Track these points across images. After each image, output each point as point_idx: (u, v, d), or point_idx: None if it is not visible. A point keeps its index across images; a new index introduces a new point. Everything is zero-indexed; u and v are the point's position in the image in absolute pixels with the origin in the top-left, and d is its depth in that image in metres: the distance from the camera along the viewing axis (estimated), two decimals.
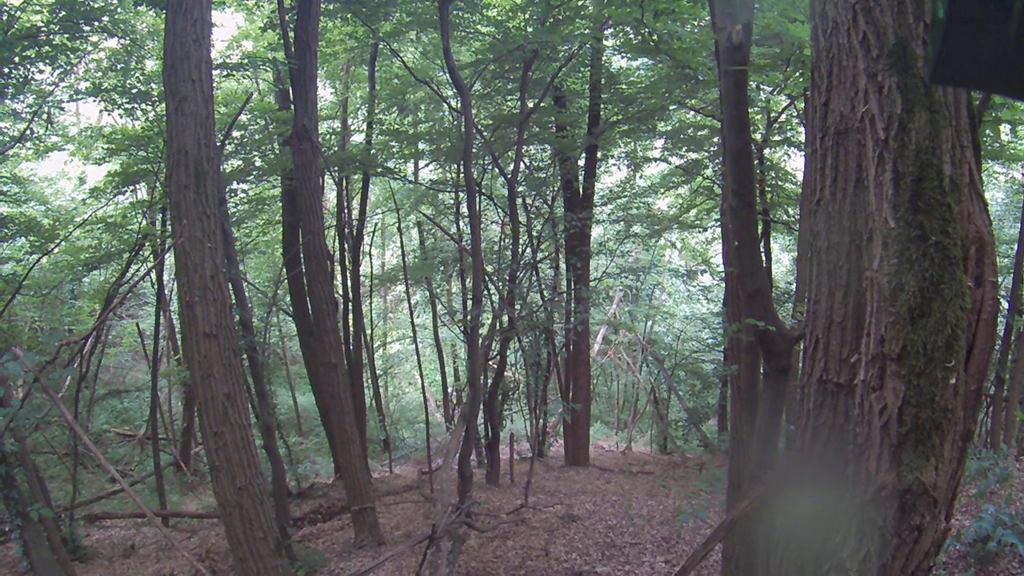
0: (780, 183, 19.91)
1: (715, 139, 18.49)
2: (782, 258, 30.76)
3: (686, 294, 33.28)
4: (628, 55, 18.26)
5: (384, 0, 15.86)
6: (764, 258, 17.87)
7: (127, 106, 16.31)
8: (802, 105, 15.36)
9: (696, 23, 13.05)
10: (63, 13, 13.81)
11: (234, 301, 11.85)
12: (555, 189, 21.51)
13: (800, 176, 17.24)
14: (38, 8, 14.78)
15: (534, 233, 21.00)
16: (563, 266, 22.19)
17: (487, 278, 17.78)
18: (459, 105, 15.68)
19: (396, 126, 21.90)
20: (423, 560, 10.39)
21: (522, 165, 19.38)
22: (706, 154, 20.51)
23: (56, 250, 19.91)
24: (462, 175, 16.83)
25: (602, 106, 20.21)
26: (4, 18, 13.83)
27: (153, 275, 19.53)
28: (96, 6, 14.18)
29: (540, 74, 17.83)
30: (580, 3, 16.25)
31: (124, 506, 18.01)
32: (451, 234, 22.01)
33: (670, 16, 11.20)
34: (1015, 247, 16.07)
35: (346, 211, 22.30)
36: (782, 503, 4.33)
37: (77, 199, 25.15)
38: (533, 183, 21.36)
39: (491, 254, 21.82)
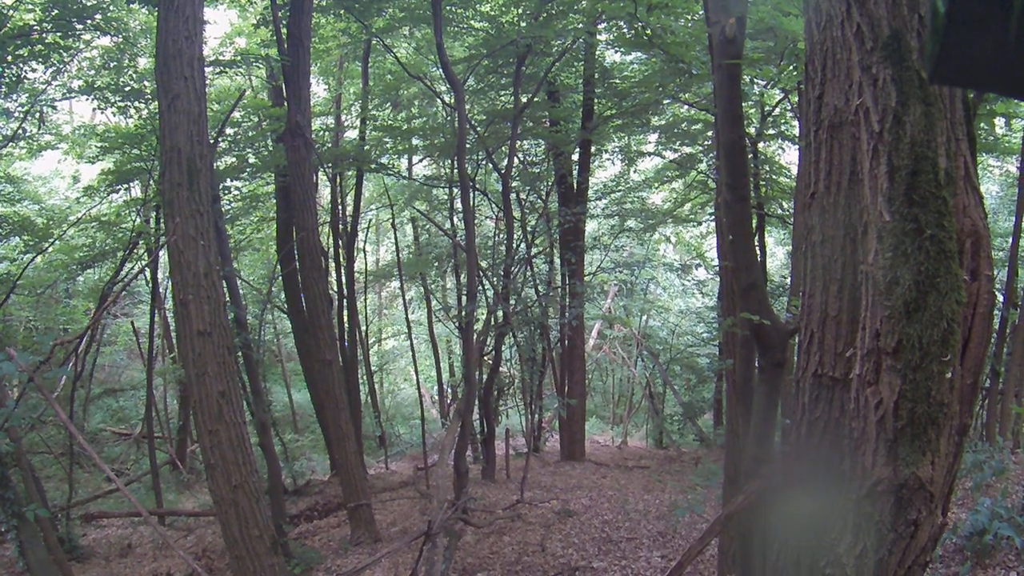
0: (774, 177, 19.89)
1: (709, 133, 18.47)
2: (777, 252, 30.78)
3: (681, 288, 33.31)
4: (622, 49, 18.25)
5: None
6: (759, 252, 17.87)
7: (120, 104, 16.24)
8: (796, 99, 15.38)
9: (690, 17, 13.05)
10: (56, 11, 13.78)
11: (228, 299, 11.84)
12: (549, 184, 21.49)
13: (794, 170, 17.26)
14: (30, 7, 14.73)
15: (528, 228, 21.02)
16: (557, 261, 22.24)
17: (482, 273, 17.81)
18: (452, 100, 15.66)
19: (389, 122, 21.85)
20: (419, 556, 10.40)
21: (516, 160, 19.38)
22: (700, 148, 20.50)
23: (50, 249, 19.89)
24: (456, 170, 16.82)
25: (596, 101, 20.21)
26: None
27: (147, 273, 19.48)
28: (89, 4, 14.13)
29: (534, 69, 17.82)
30: None
31: (120, 505, 18.00)
32: (445, 230, 22.00)
33: (663, 10, 11.18)
34: (1010, 240, 16.09)
35: (340, 207, 22.29)
36: (778, 498, 4.33)
37: (71, 198, 25.14)
38: (527, 178, 21.36)
39: (485, 249, 21.81)
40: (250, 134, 18.81)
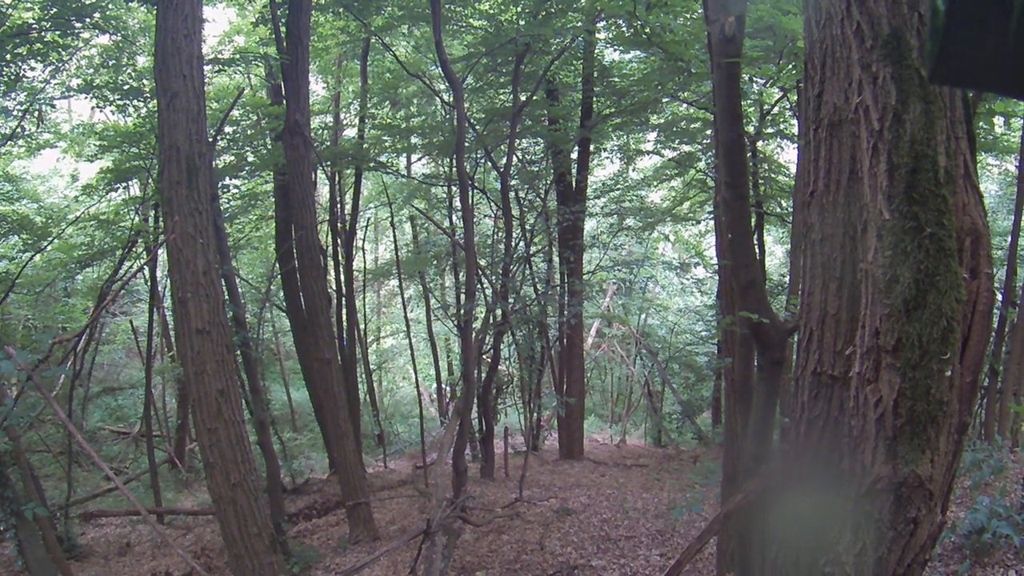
0: (773, 175, 19.92)
1: (708, 132, 18.47)
2: (776, 250, 30.79)
3: (680, 287, 33.34)
4: (621, 48, 18.24)
5: None
6: (757, 250, 17.87)
7: (119, 103, 16.23)
8: (795, 97, 15.38)
9: (689, 16, 13.05)
10: (54, 10, 13.74)
11: (227, 297, 11.83)
12: (548, 182, 21.49)
13: (793, 168, 17.26)
14: (29, 5, 14.71)
15: (527, 226, 21.01)
16: (556, 259, 22.25)
17: (480, 272, 17.79)
18: (451, 99, 15.64)
19: (388, 120, 21.86)
20: (418, 555, 10.40)
21: (515, 158, 19.37)
22: (699, 147, 20.51)
23: (49, 248, 19.88)
24: (455, 169, 16.80)
25: (595, 99, 20.20)
26: None
27: (146, 272, 19.47)
28: (87, 2, 14.08)
29: (532, 67, 17.81)
30: None
31: (119, 504, 18.01)
32: (444, 228, 21.98)
33: (663, 8, 11.21)
34: (1009, 239, 16.10)
35: (339, 206, 22.30)
36: (777, 496, 4.33)
37: (70, 196, 25.07)
38: (526, 176, 21.36)
39: (484, 248, 21.81)
40: (249, 132, 18.82)
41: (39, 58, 15.20)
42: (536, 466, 19.44)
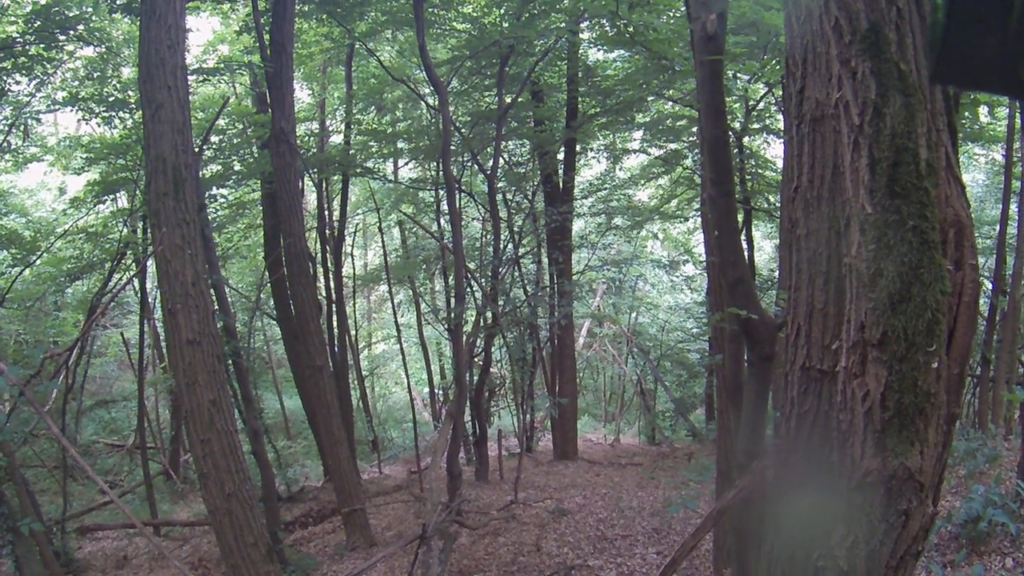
0: (760, 171, 19.93)
1: (693, 129, 18.49)
2: (764, 246, 30.78)
3: (669, 284, 33.31)
4: (604, 47, 18.22)
5: (359, 0, 15.84)
6: (746, 246, 17.91)
7: (105, 115, 16.21)
8: (780, 93, 15.41)
9: (671, 14, 13.06)
10: (38, 23, 13.75)
11: (217, 307, 11.84)
12: (535, 184, 21.50)
13: (780, 163, 17.28)
14: (13, 19, 14.70)
15: (515, 228, 21.04)
16: (545, 260, 22.24)
17: (469, 275, 17.79)
18: (436, 103, 15.65)
19: (374, 126, 21.86)
20: (415, 560, 10.39)
21: (501, 160, 19.39)
22: (685, 144, 20.51)
23: (38, 262, 19.84)
24: (441, 173, 16.80)
25: (580, 99, 20.21)
26: None
27: (136, 284, 19.45)
28: (71, 15, 14.10)
29: (517, 69, 17.81)
30: None
31: (115, 517, 17.95)
32: (432, 232, 21.96)
33: (645, 7, 11.20)
34: (997, 228, 16.15)
35: (327, 212, 22.26)
36: (771, 491, 4.34)
37: (58, 210, 25.05)
38: (513, 178, 21.37)
39: (473, 251, 21.80)
40: (235, 141, 18.78)
41: (24, 72, 15.19)
42: (530, 467, 19.46)
